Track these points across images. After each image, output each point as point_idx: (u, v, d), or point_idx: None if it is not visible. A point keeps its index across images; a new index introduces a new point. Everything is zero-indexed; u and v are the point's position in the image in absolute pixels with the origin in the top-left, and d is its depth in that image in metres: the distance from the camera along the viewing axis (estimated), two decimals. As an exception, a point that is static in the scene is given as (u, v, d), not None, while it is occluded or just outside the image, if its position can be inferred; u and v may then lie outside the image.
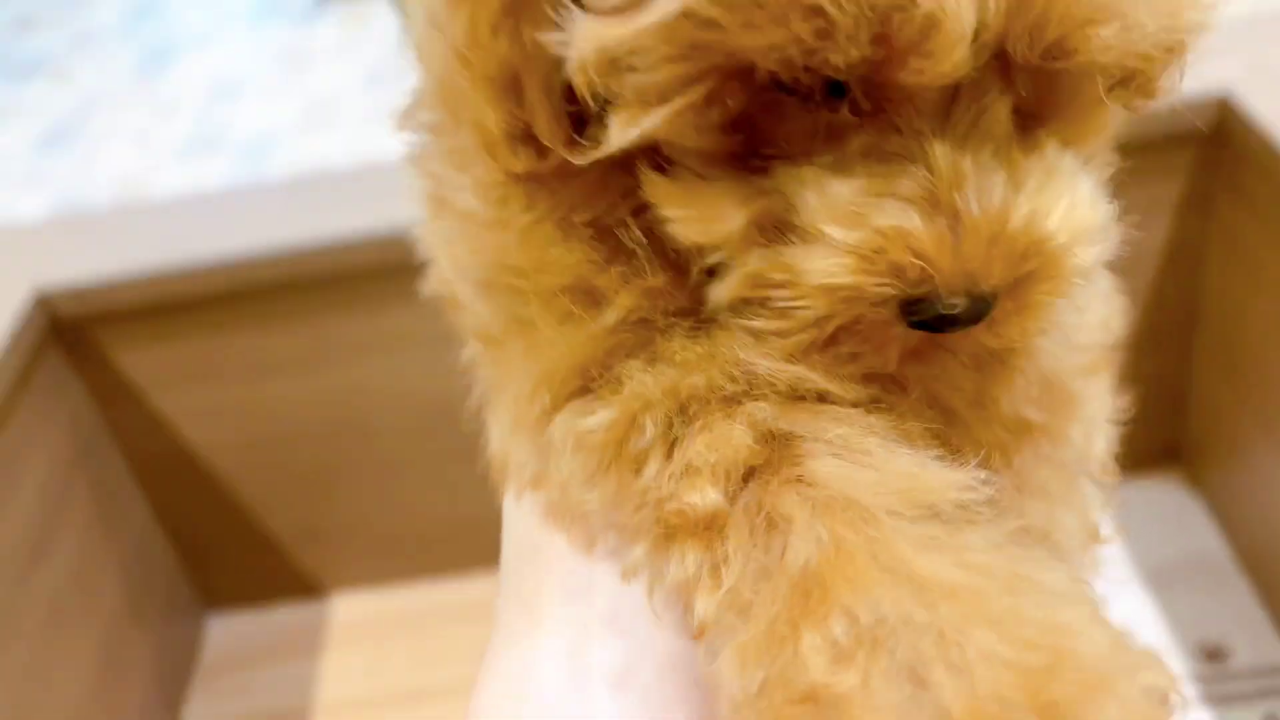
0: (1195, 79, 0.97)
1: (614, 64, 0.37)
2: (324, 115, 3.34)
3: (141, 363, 1.05)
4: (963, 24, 0.34)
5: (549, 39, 0.38)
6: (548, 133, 0.41)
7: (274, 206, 1.07)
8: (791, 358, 0.43)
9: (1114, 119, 0.45)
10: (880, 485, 0.41)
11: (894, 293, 0.39)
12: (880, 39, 0.34)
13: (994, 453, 0.49)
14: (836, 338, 0.41)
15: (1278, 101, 0.95)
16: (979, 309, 0.40)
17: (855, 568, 0.39)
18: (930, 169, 0.38)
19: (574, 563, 0.51)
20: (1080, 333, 0.54)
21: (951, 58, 0.35)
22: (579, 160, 0.41)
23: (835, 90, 0.38)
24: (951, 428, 0.47)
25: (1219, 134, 0.98)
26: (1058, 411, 0.53)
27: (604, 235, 0.46)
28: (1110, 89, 0.42)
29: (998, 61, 0.38)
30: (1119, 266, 1.09)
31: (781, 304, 0.40)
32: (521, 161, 0.43)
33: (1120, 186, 1.04)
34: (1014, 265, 0.39)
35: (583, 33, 0.37)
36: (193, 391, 1.06)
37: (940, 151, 0.38)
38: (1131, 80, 0.42)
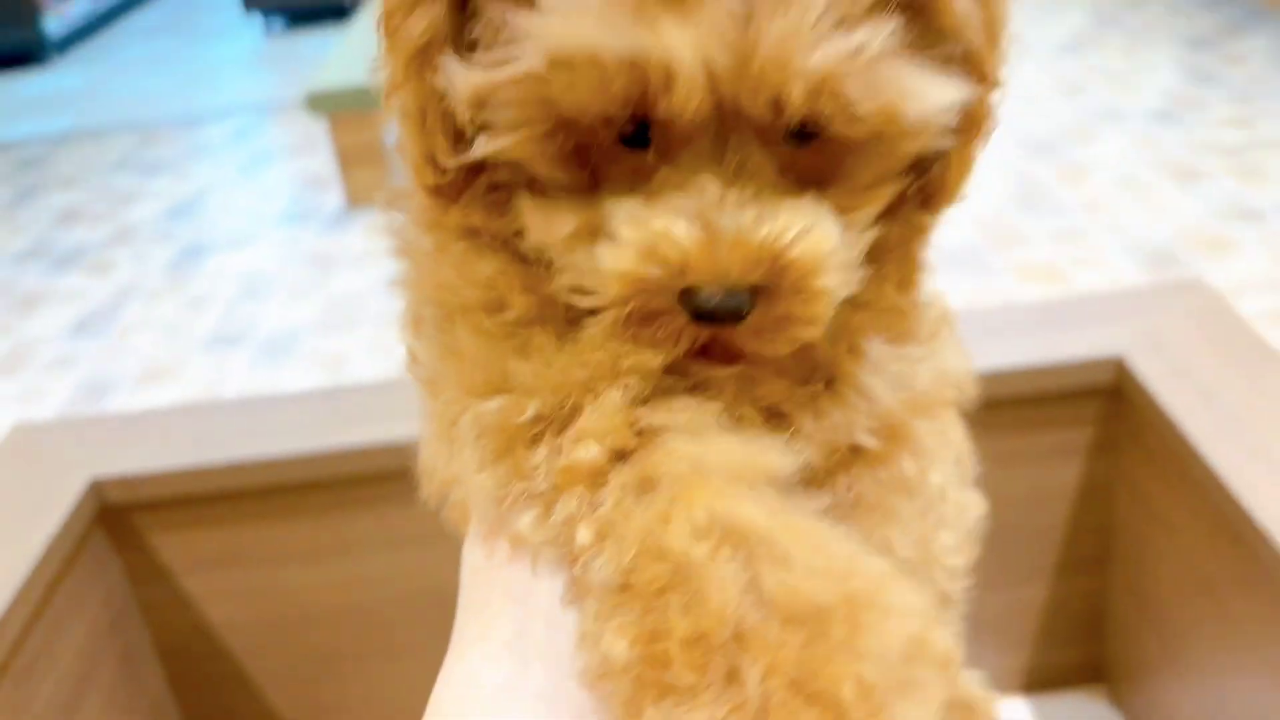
0: (1095, 342, 1.14)
1: (480, 102, 0.53)
2: (344, 316, 3.56)
3: (174, 546, 1.18)
4: (693, 75, 0.49)
5: (441, 81, 0.54)
6: (443, 151, 0.58)
7: (299, 415, 1.23)
8: (610, 336, 0.57)
9: (879, 194, 0.58)
10: (721, 460, 0.55)
11: (665, 279, 0.53)
12: (641, 90, 0.50)
13: (832, 469, 0.64)
14: (637, 321, 0.56)
15: (1164, 365, 1.11)
16: (734, 303, 0.53)
17: (708, 491, 0.53)
18: (699, 195, 0.53)
19: (515, 567, 0.60)
20: (913, 379, 0.66)
21: (692, 101, 0.50)
22: (454, 163, 0.57)
23: (643, 139, 0.54)
24: (787, 429, 0.61)
25: (1117, 391, 1.14)
26: (890, 441, 0.66)
27: (509, 251, 0.60)
28: (876, 170, 0.57)
29: (754, 125, 0.53)
30: (1040, 499, 1.24)
31: (593, 290, 0.55)
32: (430, 177, 0.59)
33: (1038, 431, 1.19)
34: (754, 266, 0.53)
35: (459, 79, 0.52)
36: (217, 574, 1.19)
37: (708, 183, 0.53)
38: (890, 159, 0.56)
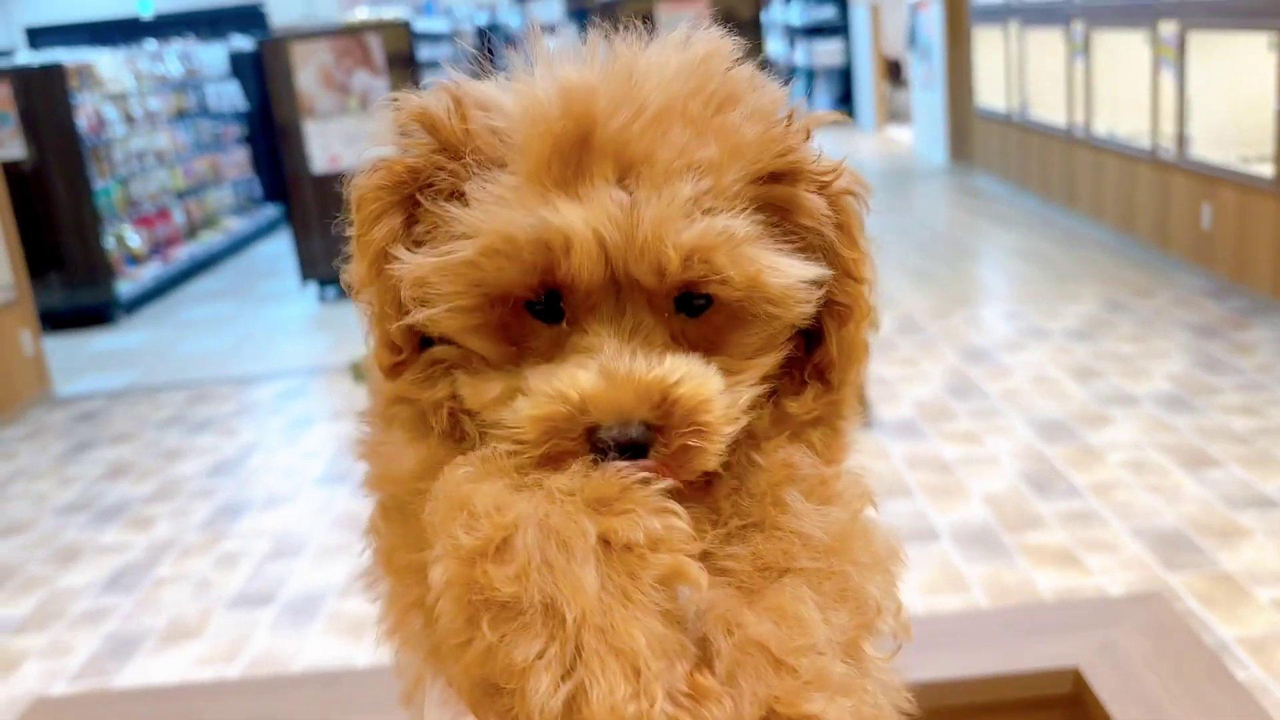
0: (1053, 652, 1.21)
1: (421, 283, 0.66)
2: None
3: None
4: (586, 241, 0.63)
5: (392, 273, 0.67)
6: (395, 332, 0.70)
7: (300, 700, 1.31)
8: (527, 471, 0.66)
9: (761, 362, 0.70)
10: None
11: (569, 417, 0.64)
12: (547, 258, 0.63)
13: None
14: (550, 462, 0.65)
15: (1116, 677, 1.17)
16: (633, 434, 0.64)
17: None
18: (600, 353, 0.65)
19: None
20: (822, 517, 0.71)
21: (587, 263, 0.63)
22: (399, 333, 0.70)
23: (556, 312, 0.67)
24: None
25: (1075, 701, 1.20)
26: (828, 555, 0.71)
27: (439, 436, 0.71)
28: (752, 334, 0.68)
29: (645, 294, 0.66)
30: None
31: (513, 436, 0.66)
32: (387, 357, 0.72)
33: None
34: (645, 401, 0.64)
35: (408, 266, 0.66)
36: None
37: (608, 343, 0.65)
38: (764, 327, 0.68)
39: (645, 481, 0.64)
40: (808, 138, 0.72)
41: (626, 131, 0.65)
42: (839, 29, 14.93)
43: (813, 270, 0.69)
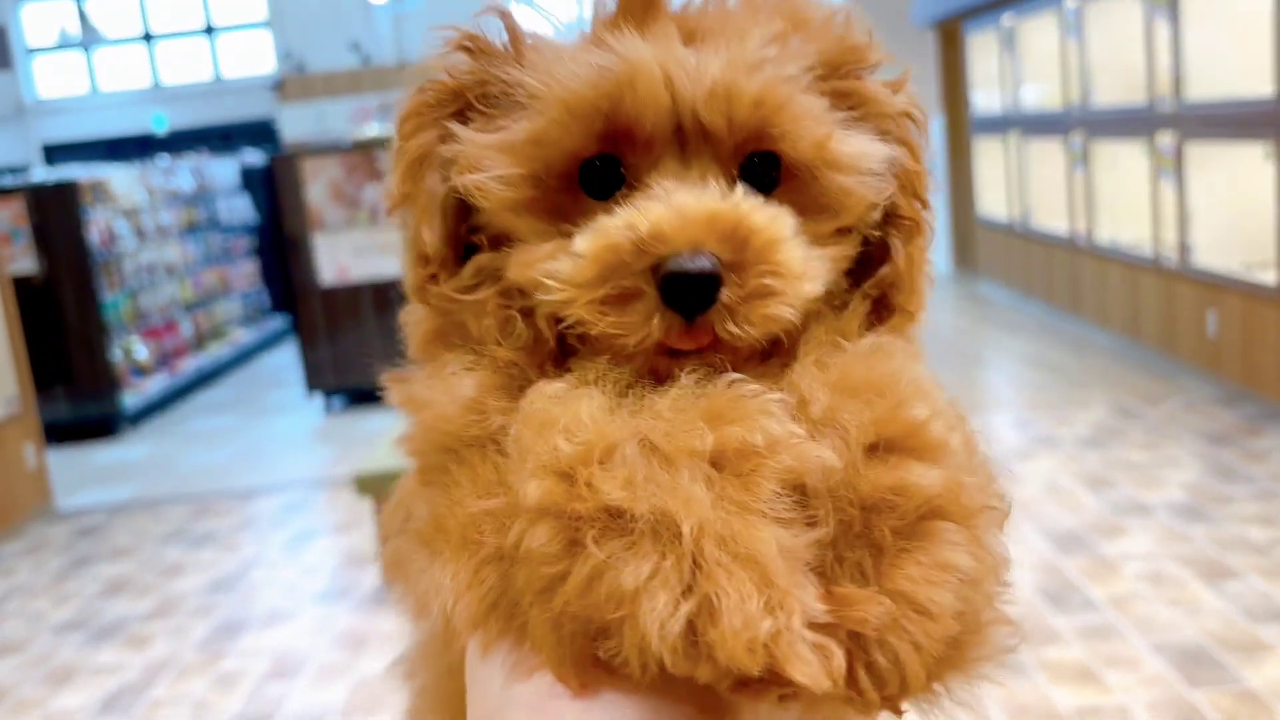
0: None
1: (475, 161, 0.64)
2: (371, 699, 3.54)
3: None
4: (654, 79, 0.61)
5: (433, 183, 0.66)
6: (432, 243, 0.67)
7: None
8: (586, 319, 0.61)
9: (834, 247, 0.66)
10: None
11: (635, 247, 0.59)
12: (610, 101, 0.61)
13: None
14: (612, 304, 0.60)
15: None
16: (704, 263, 0.59)
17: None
18: (668, 189, 0.62)
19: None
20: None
21: (653, 103, 0.61)
22: (437, 246, 0.66)
23: (616, 182, 0.64)
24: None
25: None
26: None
27: (502, 328, 0.66)
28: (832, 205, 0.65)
29: (711, 147, 0.63)
30: None
31: (569, 280, 0.61)
32: (422, 272, 0.68)
33: None
34: (716, 229, 0.59)
35: (463, 141, 0.65)
36: None
37: (675, 180, 0.62)
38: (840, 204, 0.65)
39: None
40: (871, 40, 0.70)
41: (691, 6, 0.66)
42: (840, 141, 15.16)
43: (883, 149, 0.66)
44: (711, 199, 0.61)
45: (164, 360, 8.52)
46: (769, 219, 0.62)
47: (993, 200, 9.61)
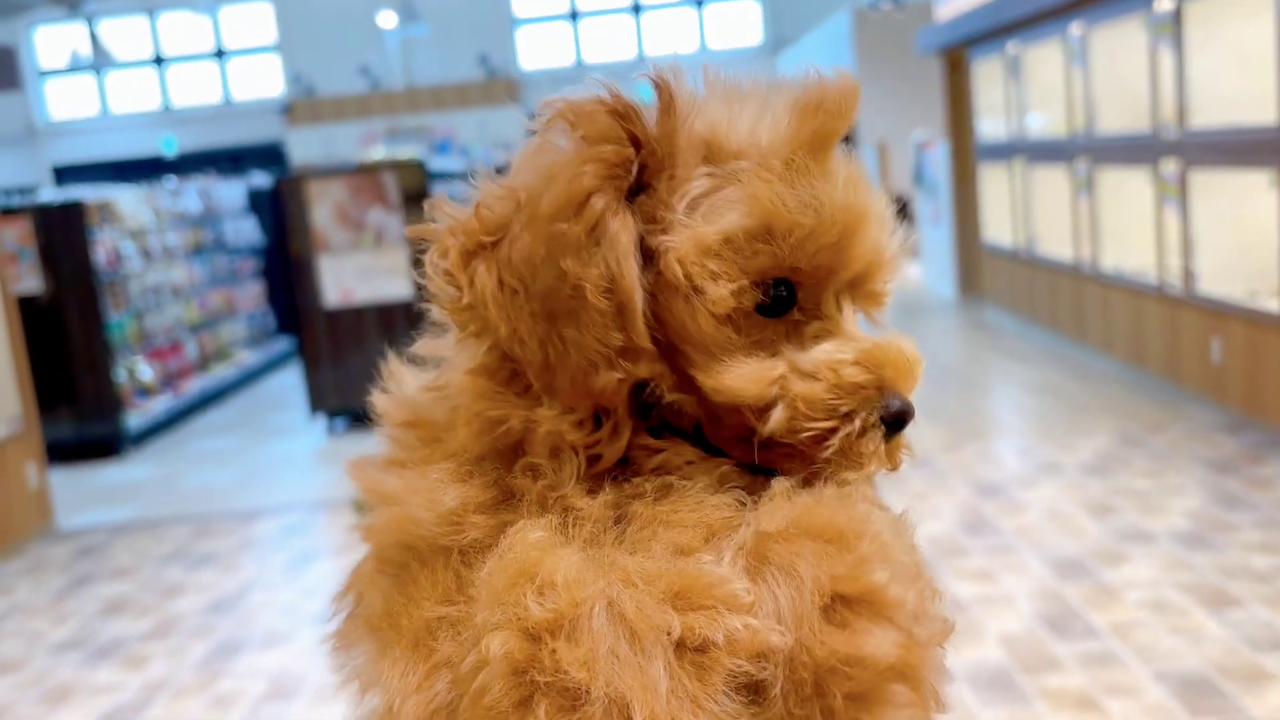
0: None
1: (704, 251, 0.65)
2: (365, 721, 3.52)
3: None
4: (875, 230, 0.69)
5: (630, 258, 0.65)
6: (638, 334, 0.65)
7: None
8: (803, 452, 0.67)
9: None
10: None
11: (871, 383, 0.66)
12: (829, 239, 0.67)
13: None
14: (842, 435, 0.66)
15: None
16: (909, 408, 0.67)
17: None
18: (845, 335, 0.69)
19: None
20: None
21: (865, 259, 0.70)
22: (723, 312, 0.68)
23: (785, 306, 0.68)
24: None
25: None
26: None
27: (476, 478, 0.68)
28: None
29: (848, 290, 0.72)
30: None
31: (804, 410, 0.66)
32: (607, 376, 0.66)
33: None
34: (915, 378, 0.67)
35: (682, 234, 0.64)
36: None
37: (846, 325, 0.69)
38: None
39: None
40: None
41: (843, 122, 0.70)
42: (846, 167, 15.18)
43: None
44: (906, 342, 0.70)
45: (168, 381, 8.53)
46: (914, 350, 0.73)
47: (998, 227, 9.62)
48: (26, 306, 6.81)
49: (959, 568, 4.21)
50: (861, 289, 0.72)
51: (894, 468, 0.70)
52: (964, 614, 3.82)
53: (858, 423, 0.67)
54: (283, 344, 10.82)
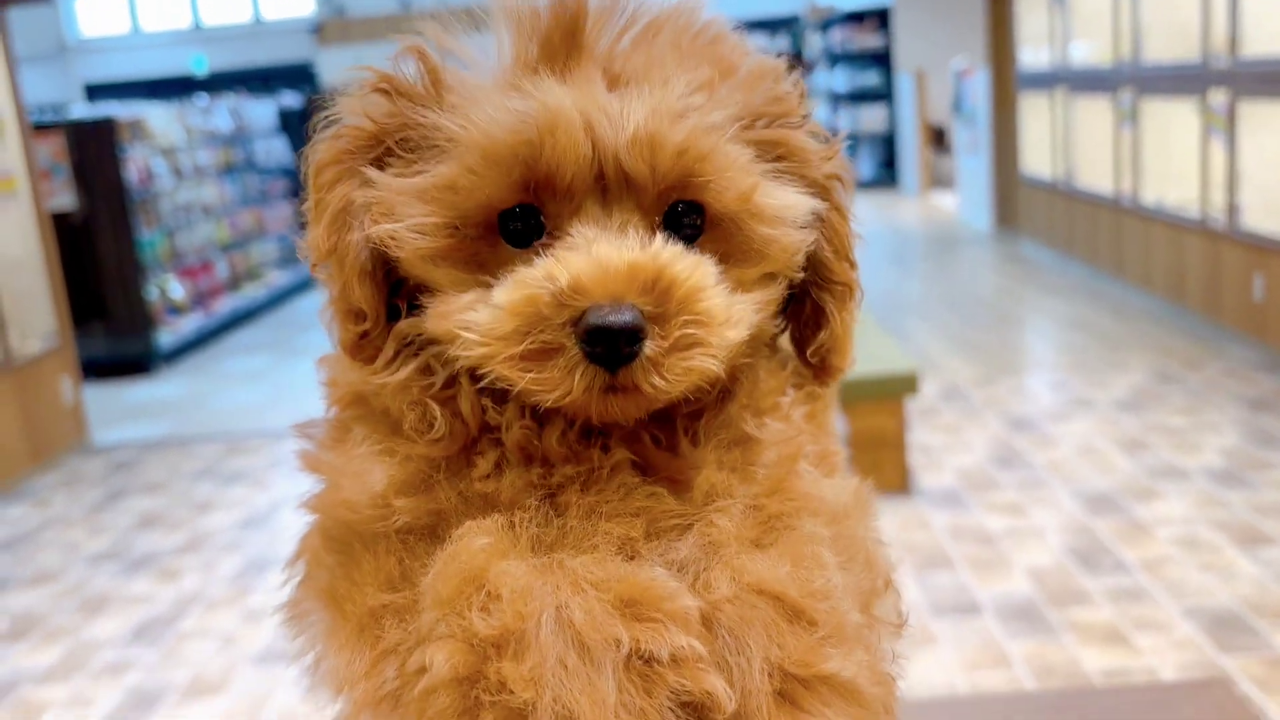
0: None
1: (391, 208, 0.62)
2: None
3: None
4: (574, 126, 0.59)
5: (352, 238, 0.64)
6: (361, 297, 0.65)
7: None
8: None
9: (760, 293, 0.65)
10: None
11: (555, 300, 0.57)
12: (529, 149, 0.59)
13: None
14: (534, 358, 0.58)
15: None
16: (627, 316, 0.57)
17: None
18: (588, 239, 0.60)
19: None
20: (831, 486, 0.70)
21: (574, 151, 0.59)
22: (369, 291, 0.65)
23: (536, 231, 0.62)
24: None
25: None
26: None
27: (420, 419, 0.65)
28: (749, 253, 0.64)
29: (634, 194, 0.61)
30: None
31: (486, 334, 0.59)
32: (352, 330, 0.67)
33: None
34: (636, 280, 0.58)
35: (378, 187, 0.62)
36: None
37: (596, 229, 0.60)
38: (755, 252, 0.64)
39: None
40: (802, 94, 0.69)
41: (615, 41, 0.63)
42: (883, 95, 14.97)
43: (808, 202, 0.65)
44: (632, 249, 0.60)
45: (199, 300, 8.57)
46: (691, 268, 0.60)
47: (1037, 158, 9.44)
48: (60, 223, 6.82)
49: (989, 501, 4.19)
50: (648, 195, 0.62)
51: (658, 392, 0.59)
52: (993, 547, 3.80)
53: (558, 353, 0.58)
54: (313, 266, 10.81)
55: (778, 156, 0.66)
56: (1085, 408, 5.21)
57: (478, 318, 0.60)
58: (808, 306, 0.71)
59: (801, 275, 0.68)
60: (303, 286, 10.61)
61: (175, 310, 8.13)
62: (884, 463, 4.25)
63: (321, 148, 0.67)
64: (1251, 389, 5.23)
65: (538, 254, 0.61)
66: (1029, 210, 9.71)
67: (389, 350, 0.66)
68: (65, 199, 7.34)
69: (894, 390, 4.24)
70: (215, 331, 8.66)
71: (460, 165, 0.61)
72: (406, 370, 0.65)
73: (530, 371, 0.59)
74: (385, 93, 0.66)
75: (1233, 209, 5.96)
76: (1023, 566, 3.64)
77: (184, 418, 6.55)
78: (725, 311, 0.61)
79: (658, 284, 0.59)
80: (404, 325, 0.66)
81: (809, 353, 0.70)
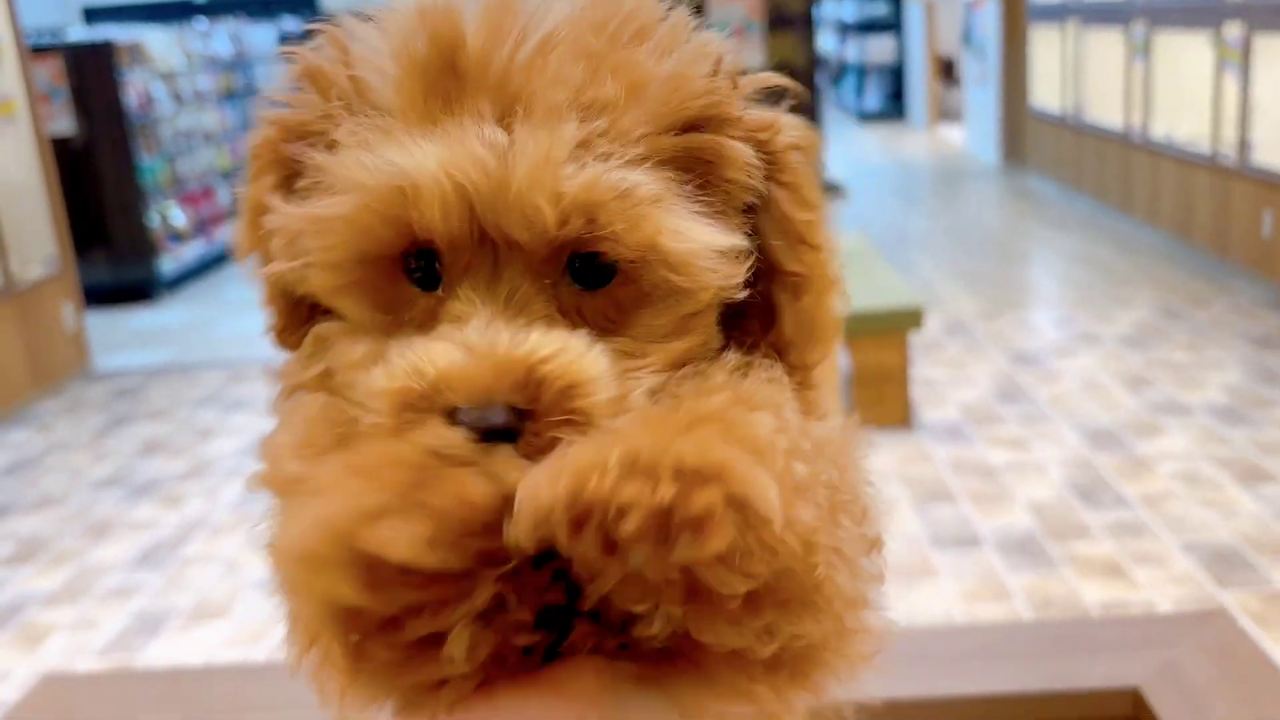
0: (1112, 671, 1.13)
1: (292, 237, 0.58)
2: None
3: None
4: (439, 186, 0.53)
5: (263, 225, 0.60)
6: (274, 297, 0.63)
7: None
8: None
9: (672, 346, 0.59)
10: None
11: (424, 395, 0.54)
12: (402, 210, 0.54)
13: None
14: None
15: (1180, 700, 1.09)
16: (493, 418, 0.52)
17: None
18: (468, 326, 0.55)
19: None
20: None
21: (444, 217, 0.54)
22: (279, 290, 0.62)
23: (433, 278, 0.57)
24: None
25: (1135, 724, 1.12)
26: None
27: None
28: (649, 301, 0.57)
29: (525, 257, 0.55)
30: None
31: (370, 407, 0.55)
32: (273, 317, 0.64)
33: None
34: (504, 379, 0.53)
35: (278, 216, 0.58)
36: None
37: (479, 314, 0.55)
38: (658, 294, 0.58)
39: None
40: (736, 86, 0.60)
41: (503, 60, 0.55)
42: (892, 25, 14.75)
43: (725, 237, 0.57)
44: (504, 342, 0.54)
45: (201, 227, 8.52)
46: (568, 362, 0.55)
47: (1046, 91, 9.32)
48: (60, 148, 6.76)
49: (991, 435, 4.20)
50: (539, 254, 0.56)
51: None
52: (995, 480, 3.81)
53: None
54: (315, 194, 10.75)
55: (704, 166, 0.58)
56: (1089, 343, 5.20)
57: (362, 387, 0.57)
58: (755, 299, 0.62)
59: (743, 291, 0.60)
60: (304, 215, 10.54)
61: (177, 237, 8.10)
62: (886, 397, 4.25)
63: (251, 137, 0.63)
64: (1257, 326, 5.21)
65: (439, 299, 0.58)
66: (1037, 144, 9.61)
67: (307, 348, 0.64)
68: (64, 123, 7.26)
69: (898, 324, 4.23)
70: (217, 259, 8.63)
71: (347, 203, 0.56)
72: (316, 370, 0.63)
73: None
74: (309, 80, 0.61)
75: (1244, 145, 5.89)
76: (1024, 500, 3.65)
77: (186, 345, 6.54)
78: (609, 406, 0.55)
79: (529, 380, 0.54)
80: (322, 327, 0.63)
81: (757, 355, 0.61)
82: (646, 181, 0.55)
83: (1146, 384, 4.60)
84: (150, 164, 7.78)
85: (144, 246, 7.61)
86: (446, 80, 0.56)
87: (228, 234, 8.85)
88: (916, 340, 4.78)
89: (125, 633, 3.31)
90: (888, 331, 4.20)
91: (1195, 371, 4.69)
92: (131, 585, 3.59)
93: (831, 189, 9.06)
